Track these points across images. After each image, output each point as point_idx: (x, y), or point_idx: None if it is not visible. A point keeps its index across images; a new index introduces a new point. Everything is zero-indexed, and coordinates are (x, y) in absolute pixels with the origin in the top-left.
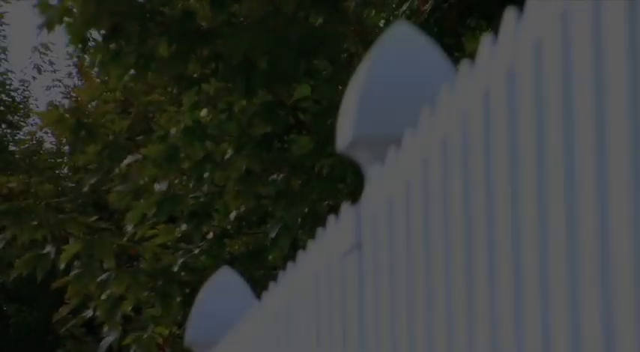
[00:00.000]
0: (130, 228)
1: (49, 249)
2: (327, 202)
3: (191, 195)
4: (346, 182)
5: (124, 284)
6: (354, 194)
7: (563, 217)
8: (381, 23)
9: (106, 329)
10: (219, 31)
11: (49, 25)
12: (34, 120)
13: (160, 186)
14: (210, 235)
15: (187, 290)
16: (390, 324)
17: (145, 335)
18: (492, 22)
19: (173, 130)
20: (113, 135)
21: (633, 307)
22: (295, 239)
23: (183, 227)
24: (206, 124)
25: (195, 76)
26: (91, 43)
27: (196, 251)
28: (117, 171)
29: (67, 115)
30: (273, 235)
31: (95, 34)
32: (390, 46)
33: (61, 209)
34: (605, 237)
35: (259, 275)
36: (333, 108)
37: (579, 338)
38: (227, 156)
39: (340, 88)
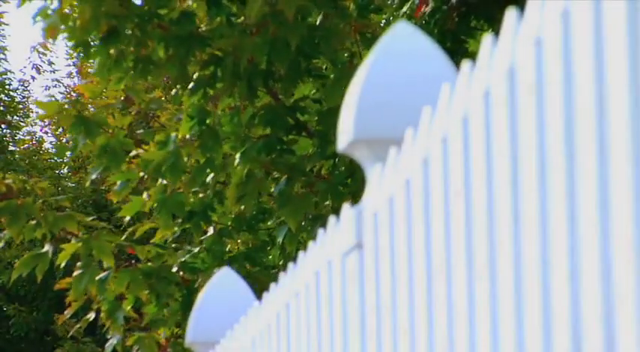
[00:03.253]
0: (127, 219)
1: (47, 248)
2: (327, 202)
3: (192, 190)
4: (347, 184)
5: (123, 283)
6: (356, 195)
7: (565, 216)
8: (382, 23)
9: (109, 330)
10: (218, 33)
11: (50, 33)
12: (34, 120)
13: (161, 180)
14: (210, 231)
15: (185, 290)
16: (390, 324)
17: (147, 336)
18: (494, 24)
19: (173, 135)
20: (114, 131)
21: (633, 307)
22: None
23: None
24: (215, 130)
25: (195, 77)
26: (93, 49)
27: (196, 249)
28: (116, 171)
29: (67, 106)
30: (280, 240)
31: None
32: (391, 46)
33: (59, 207)
34: (604, 231)
35: (257, 272)
36: (335, 109)
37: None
38: (229, 159)
39: (342, 89)
